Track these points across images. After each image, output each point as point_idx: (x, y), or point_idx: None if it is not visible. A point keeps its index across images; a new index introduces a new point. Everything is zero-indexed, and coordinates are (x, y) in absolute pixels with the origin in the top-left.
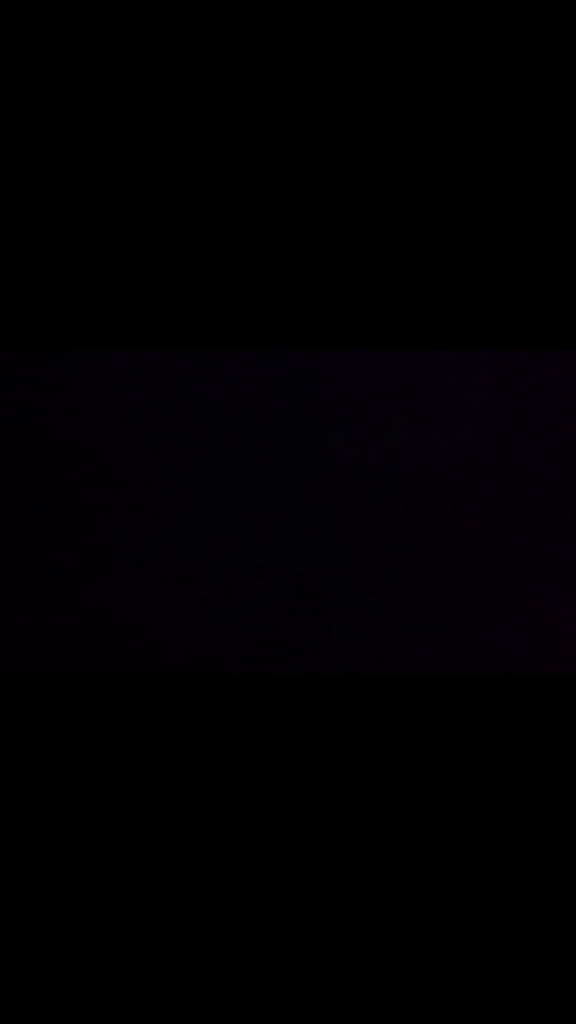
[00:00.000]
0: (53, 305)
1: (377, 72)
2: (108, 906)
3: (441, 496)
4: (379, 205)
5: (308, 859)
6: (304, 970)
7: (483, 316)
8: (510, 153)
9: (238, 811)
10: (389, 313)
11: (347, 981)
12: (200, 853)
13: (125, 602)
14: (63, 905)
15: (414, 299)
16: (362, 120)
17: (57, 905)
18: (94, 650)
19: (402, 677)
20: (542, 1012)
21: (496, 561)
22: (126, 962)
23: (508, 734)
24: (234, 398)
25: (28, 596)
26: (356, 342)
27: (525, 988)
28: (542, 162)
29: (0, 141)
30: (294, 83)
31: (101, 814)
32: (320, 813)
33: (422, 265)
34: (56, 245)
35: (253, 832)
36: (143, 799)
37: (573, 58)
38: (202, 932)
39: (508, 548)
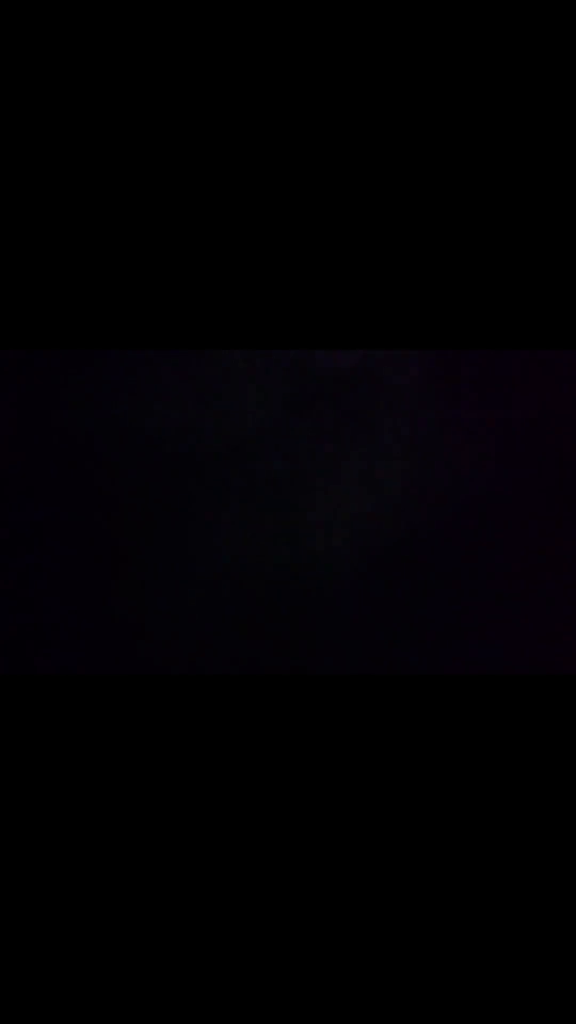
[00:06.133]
0: (53, 305)
1: (377, 76)
2: (108, 902)
3: (441, 495)
4: (380, 206)
5: (309, 858)
6: (302, 969)
7: (483, 316)
8: (509, 154)
9: (237, 811)
10: (389, 313)
11: (343, 980)
12: (201, 852)
13: (125, 602)
14: (63, 903)
15: (414, 299)
16: (362, 122)
17: (57, 903)
18: (93, 650)
19: (402, 677)
20: (542, 1011)
21: (496, 561)
22: (126, 961)
23: (508, 734)
24: (234, 398)
25: (28, 596)
26: (356, 342)
27: (524, 987)
28: (542, 163)
29: (1, 142)
30: (294, 86)
31: (101, 814)
32: (320, 813)
33: (422, 265)
34: (56, 246)
35: (253, 831)
36: (143, 799)
37: (573, 58)
38: (201, 931)
39: (508, 548)
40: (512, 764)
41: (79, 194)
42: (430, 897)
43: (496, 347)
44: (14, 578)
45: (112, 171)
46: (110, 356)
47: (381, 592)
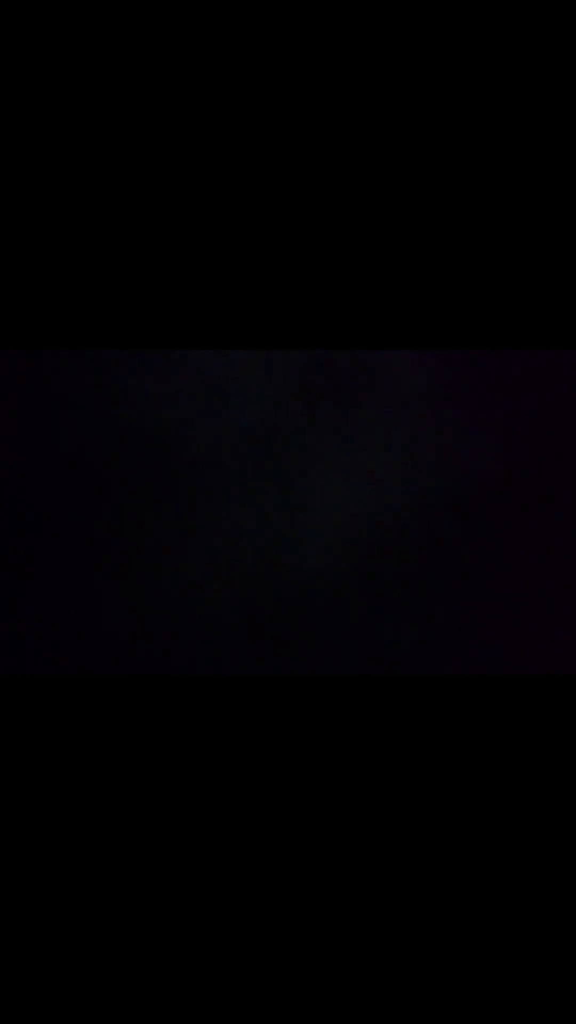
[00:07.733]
0: (53, 305)
1: (376, 74)
2: (108, 903)
3: (440, 495)
4: (380, 205)
5: (309, 859)
6: (301, 969)
7: (483, 316)
8: (509, 154)
9: (237, 813)
10: (389, 313)
11: (343, 980)
12: (201, 853)
13: (125, 602)
14: (63, 903)
15: (414, 299)
16: (364, 123)
17: (57, 903)
18: (92, 651)
19: (402, 677)
20: (542, 1011)
21: (496, 561)
22: (125, 962)
23: (508, 734)
24: (234, 398)
25: (27, 596)
26: (356, 342)
27: (524, 987)
28: (542, 163)
29: (1, 141)
30: (293, 84)
31: (101, 815)
32: (320, 814)
33: (422, 265)
34: (56, 245)
35: (253, 832)
36: (143, 800)
37: (573, 58)
38: (201, 933)
39: (508, 548)
40: (512, 764)
41: (78, 194)
42: (430, 897)
43: (496, 347)
44: (13, 578)
45: (111, 171)
46: (110, 356)
47: (379, 591)
